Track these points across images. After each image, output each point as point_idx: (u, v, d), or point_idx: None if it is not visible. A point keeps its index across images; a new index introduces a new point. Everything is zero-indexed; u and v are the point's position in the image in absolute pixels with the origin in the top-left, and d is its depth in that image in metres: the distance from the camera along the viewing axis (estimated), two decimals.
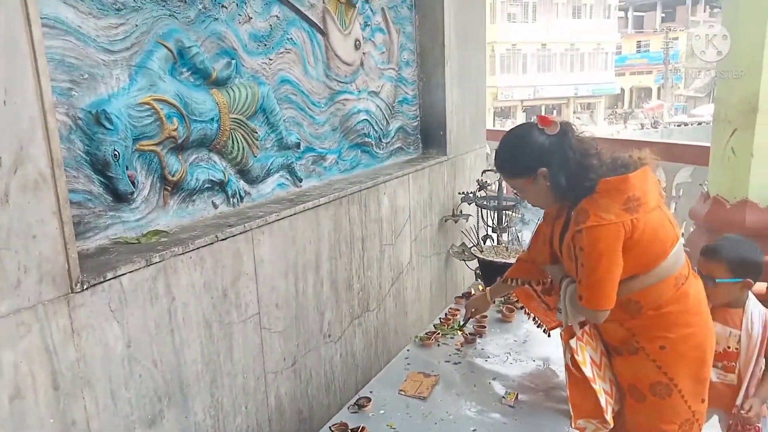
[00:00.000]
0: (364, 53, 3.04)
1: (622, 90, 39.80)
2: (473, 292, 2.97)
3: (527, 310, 2.23)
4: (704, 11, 39.39)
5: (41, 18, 1.40)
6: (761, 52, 3.89)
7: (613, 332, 1.78)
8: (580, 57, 34.94)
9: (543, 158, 1.66)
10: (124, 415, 1.53)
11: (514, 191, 1.86)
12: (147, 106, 1.75)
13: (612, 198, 1.59)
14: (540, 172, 1.67)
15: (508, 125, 27.83)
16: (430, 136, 3.78)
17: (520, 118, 34.26)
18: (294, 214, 2.25)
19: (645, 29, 42.01)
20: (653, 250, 1.62)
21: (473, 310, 2.34)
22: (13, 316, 1.21)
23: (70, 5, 1.54)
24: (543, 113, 35.22)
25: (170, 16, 1.85)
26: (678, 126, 29.63)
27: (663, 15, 40.92)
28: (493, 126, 28.75)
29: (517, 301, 2.77)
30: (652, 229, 1.60)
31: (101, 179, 1.63)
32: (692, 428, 1.73)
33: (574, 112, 36.24)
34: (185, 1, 1.91)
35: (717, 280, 1.99)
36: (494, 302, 2.42)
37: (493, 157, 1.86)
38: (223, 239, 1.88)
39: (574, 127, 1.70)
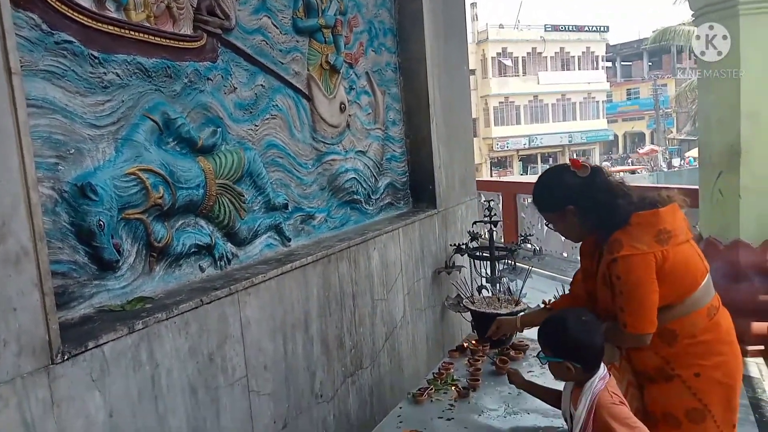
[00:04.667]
0: (350, 115, 3.15)
1: (616, 136, 40.44)
2: (466, 345, 2.94)
3: None
4: (689, 58, 40.53)
5: (29, 99, 1.48)
6: (738, 97, 4.02)
7: (648, 360, 1.83)
8: (572, 106, 35.75)
9: (570, 197, 1.83)
10: None
11: (547, 223, 2.02)
12: (133, 177, 1.81)
13: (644, 230, 1.71)
14: (568, 209, 1.84)
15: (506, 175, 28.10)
16: (420, 191, 3.84)
17: (517, 167, 34.70)
18: (281, 273, 2.28)
19: (633, 77, 43.15)
20: (685, 281, 1.74)
21: (497, 327, 2.36)
22: None
23: (58, 86, 1.62)
24: (539, 162, 35.74)
25: (156, 90, 1.94)
26: (672, 169, 29.93)
27: (650, 63, 42.11)
28: (491, 176, 29.11)
29: (511, 352, 2.75)
30: (683, 260, 1.72)
31: (86, 249, 1.67)
32: None
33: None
34: (171, 76, 2.00)
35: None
36: (522, 330, 2.41)
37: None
38: (208, 303, 1.89)
39: (604, 170, 1.87)
